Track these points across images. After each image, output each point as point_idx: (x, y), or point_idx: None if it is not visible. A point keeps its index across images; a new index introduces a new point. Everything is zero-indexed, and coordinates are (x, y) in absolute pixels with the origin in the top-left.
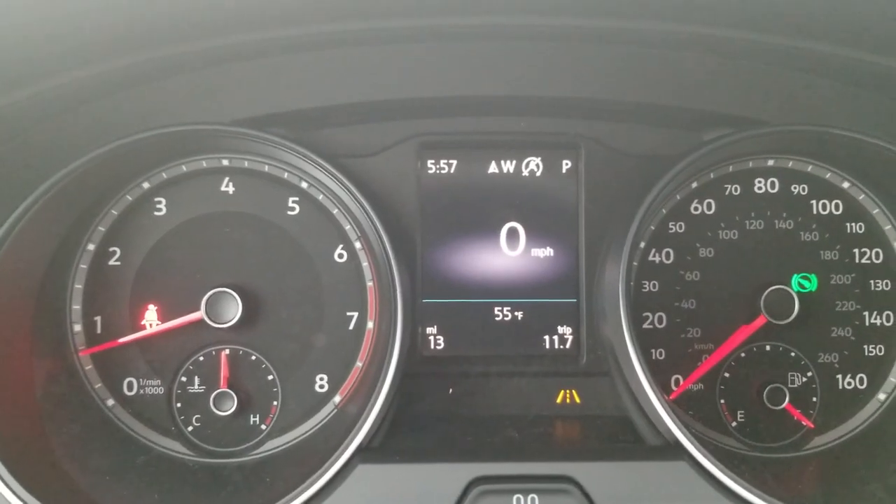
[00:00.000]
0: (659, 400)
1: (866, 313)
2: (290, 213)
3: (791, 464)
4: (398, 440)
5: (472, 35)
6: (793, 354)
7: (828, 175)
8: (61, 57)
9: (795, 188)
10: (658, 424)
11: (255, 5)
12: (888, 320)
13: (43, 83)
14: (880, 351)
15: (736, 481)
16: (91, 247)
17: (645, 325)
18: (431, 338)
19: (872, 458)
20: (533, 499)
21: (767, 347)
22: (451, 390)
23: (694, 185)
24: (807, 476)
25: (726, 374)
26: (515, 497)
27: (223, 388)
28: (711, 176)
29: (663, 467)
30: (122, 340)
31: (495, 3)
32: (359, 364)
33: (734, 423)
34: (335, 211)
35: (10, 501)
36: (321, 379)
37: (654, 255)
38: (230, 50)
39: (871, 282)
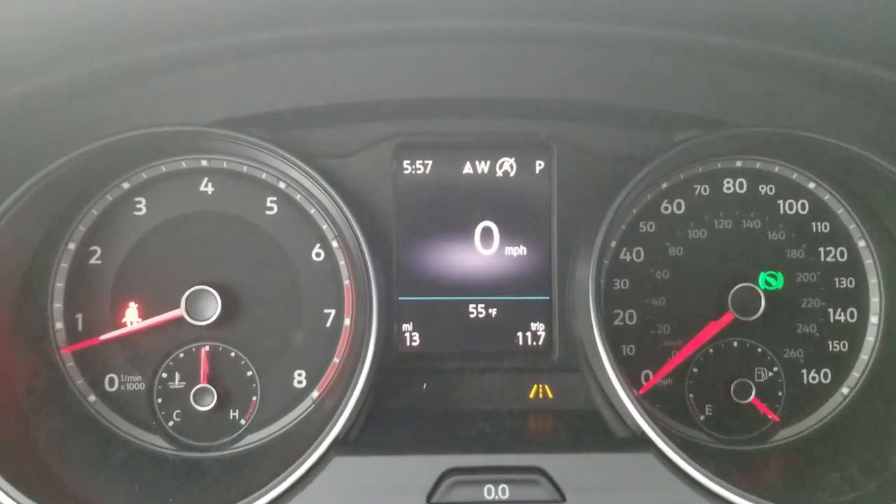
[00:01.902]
0: (627, 394)
1: (831, 310)
2: (268, 212)
3: (756, 456)
4: (374, 434)
5: (447, 38)
6: (759, 350)
7: (794, 176)
8: (42, 58)
9: (763, 188)
10: (626, 418)
11: (235, 9)
12: (852, 317)
13: (23, 84)
14: (844, 347)
15: (700, 472)
16: (72, 246)
17: (616, 322)
18: (407, 334)
19: (834, 450)
20: (503, 489)
21: (735, 343)
22: (425, 386)
23: (664, 185)
24: (770, 467)
25: (695, 370)
26: (486, 487)
27: (203, 384)
28: (681, 176)
29: (630, 458)
30: (103, 338)
31: (470, 7)
32: (336, 360)
33: (702, 417)
34: (312, 211)
35: None
36: (299, 375)
37: (625, 254)
38: (210, 52)
39: (836, 279)
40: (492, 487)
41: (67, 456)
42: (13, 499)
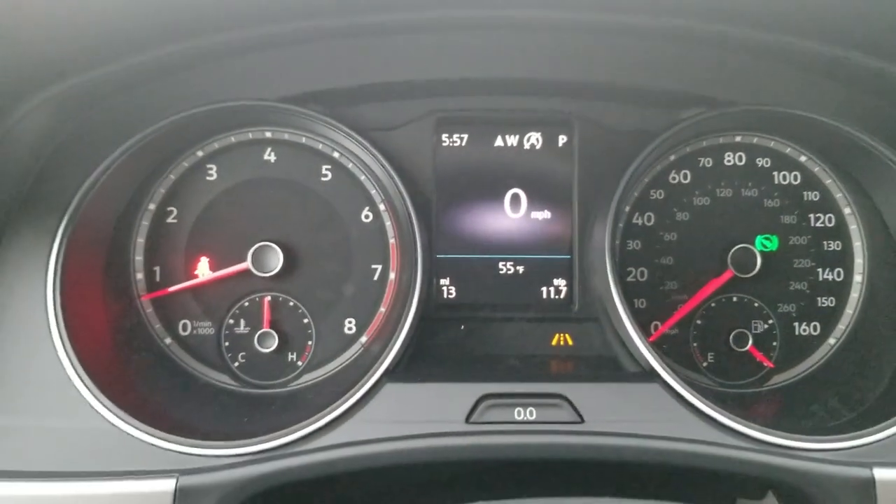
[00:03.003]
0: (640, 339)
1: (819, 270)
2: (323, 179)
3: (752, 395)
4: (419, 368)
5: (482, 25)
6: (756, 304)
7: (788, 150)
8: (136, 40)
9: (760, 161)
10: (638, 358)
11: (293, 1)
12: (838, 276)
13: (121, 62)
14: (831, 302)
15: (699, 399)
16: (152, 206)
17: (629, 279)
18: (445, 287)
19: (820, 390)
20: (531, 411)
21: (734, 298)
22: (462, 327)
23: (672, 157)
24: (763, 403)
25: (699, 321)
26: (517, 409)
27: (266, 329)
28: (687, 150)
29: (640, 388)
30: (177, 287)
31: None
32: (382, 310)
33: (705, 364)
34: (362, 177)
35: (95, 408)
36: (349, 322)
37: (637, 218)
38: (276, 37)
39: (824, 243)
40: (521, 410)
41: (153, 384)
42: (116, 415)
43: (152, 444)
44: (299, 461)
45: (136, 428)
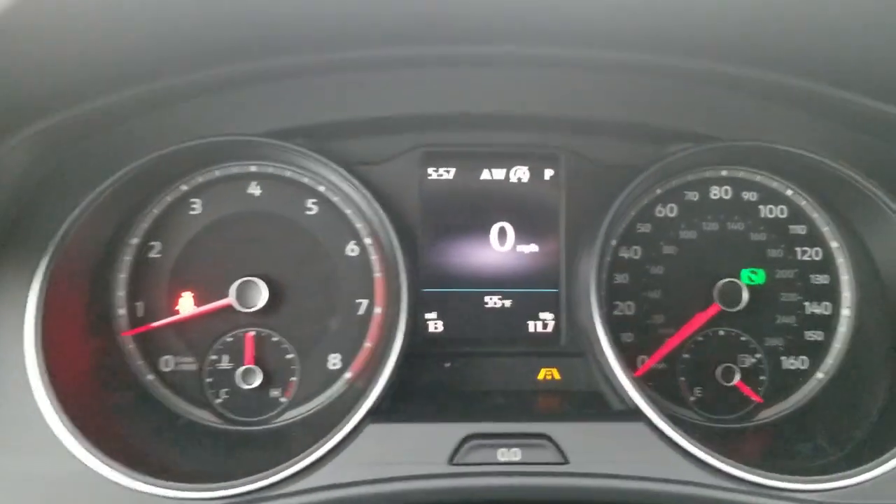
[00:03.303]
0: (624, 375)
1: (807, 303)
2: (308, 212)
3: (739, 432)
4: (403, 406)
5: (469, 62)
6: (743, 338)
7: (774, 184)
8: (117, 77)
9: (746, 195)
10: (622, 395)
11: (283, 36)
12: (826, 310)
13: (105, 98)
14: (819, 336)
15: (685, 438)
16: (134, 241)
17: (616, 312)
18: (431, 322)
19: (808, 426)
20: (515, 452)
21: (721, 332)
22: (448, 364)
23: (658, 191)
24: (750, 440)
25: (686, 355)
26: (500, 451)
27: (249, 365)
28: (673, 184)
29: (625, 427)
30: (159, 323)
31: (490, 37)
32: (368, 344)
33: (692, 398)
34: (348, 211)
35: (71, 451)
36: (334, 358)
37: (624, 252)
38: (262, 71)
39: (812, 276)
40: (505, 451)
41: (132, 424)
42: (93, 456)
43: (131, 489)
44: None
45: (115, 471)
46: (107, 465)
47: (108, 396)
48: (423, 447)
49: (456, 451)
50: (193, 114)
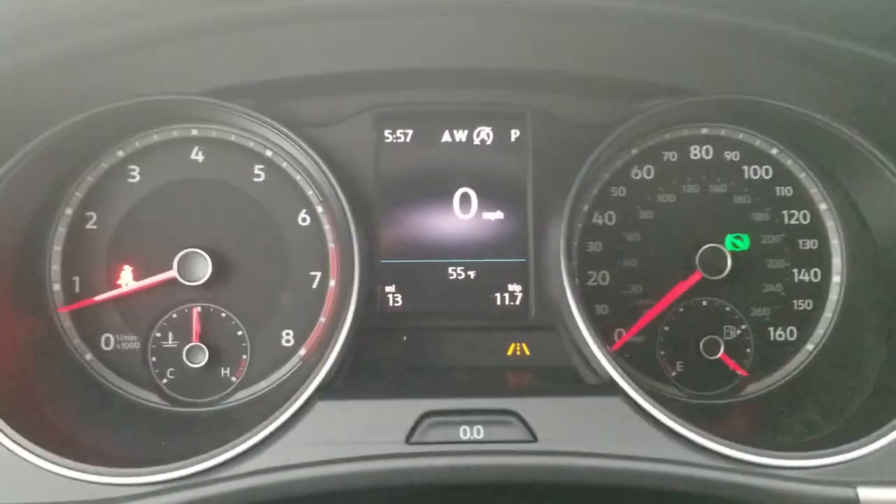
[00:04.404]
0: (598, 347)
1: (795, 270)
2: (255, 179)
3: (724, 407)
4: (356, 383)
5: (425, 11)
6: (727, 309)
7: (758, 142)
8: (39, 29)
9: (728, 154)
10: (597, 368)
11: None
12: (815, 277)
13: (20, 54)
14: (809, 305)
15: (665, 413)
16: (69, 211)
17: (590, 283)
18: (390, 295)
19: (799, 400)
20: (478, 429)
21: (704, 302)
22: (405, 338)
23: (634, 151)
24: (737, 416)
25: (666, 328)
26: (462, 428)
27: (195, 343)
28: (650, 143)
29: (599, 402)
30: (98, 298)
31: None
32: (322, 320)
33: (674, 373)
34: (298, 177)
35: None
36: (287, 334)
37: (597, 218)
38: (200, 24)
39: (799, 241)
40: (467, 428)
41: (65, 407)
42: (15, 442)
43: (57, 474)
44: (218, 489)
45: (40, 457)
46: (31, 451)
47: (37, 377)
48: (378, 426)
49: (413, 429)
50: (127, 71)
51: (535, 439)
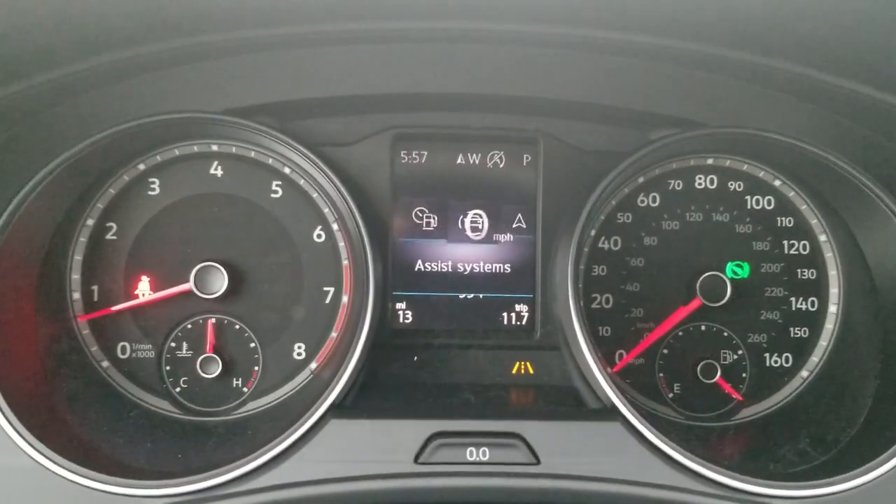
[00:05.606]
0: (599, 370)
1: (793, 299)
2: (273, 195)
3: (719, 431)
4: (367, 401)
5: (445, 38)
6: (725, 334)
7: (761, 174)
8: (70, 49)
9: (732, 185)
10: (598, 391)
11: (248, 7)
12: (812, 305)
13: (53, 72)
14: (804, 333)
15: (662, 440)
16: (90, 222)
17: (594, 305)
18: (401, 312)
19: (791, 427)
20: (484, 451)
21: (703, 327)
22: (416, 357)
23: (640, 179)
24: (730, 441)
25: (665, 351)
26: (469, 449)
27: (209, 353)
28: (656, 172)
29: (599, 427)
30: (116, 308)
31: (469, 10)
32: (334, 334)
33: (671, 395)
34: (315, 195)
35: (17, 444)
36: (299, 347)
37: (603, 242)
38: (224, 45)
39: (798, 271)
40: (473, 450)
41: (83, 414)
42: (36, 449)
43: (78, 483)
44: None
45: (61, 466)
46: (52, 459)
47: (58, 385)
48: (388, 445)
49: (422, 449)
50: (152, 89)
51: (538, 462)
